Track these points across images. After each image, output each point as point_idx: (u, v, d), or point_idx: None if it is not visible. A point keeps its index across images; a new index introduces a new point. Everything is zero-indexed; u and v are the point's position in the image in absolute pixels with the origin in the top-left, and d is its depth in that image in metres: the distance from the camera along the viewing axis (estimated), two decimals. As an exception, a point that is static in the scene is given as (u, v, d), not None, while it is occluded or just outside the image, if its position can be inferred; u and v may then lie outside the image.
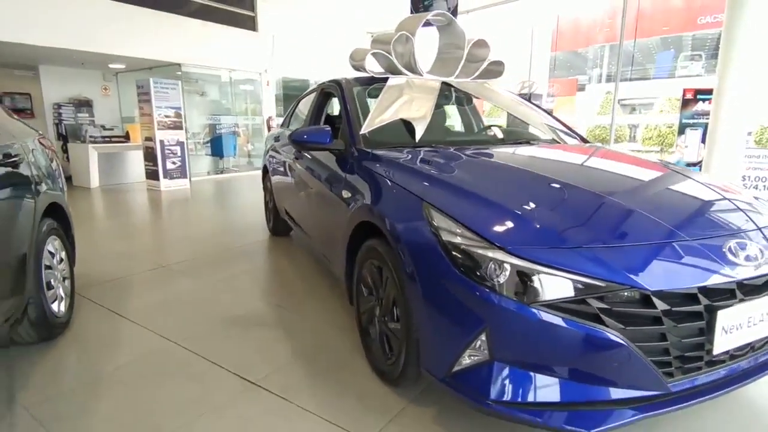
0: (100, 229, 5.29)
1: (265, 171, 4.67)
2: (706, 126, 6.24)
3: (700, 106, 6.58)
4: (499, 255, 1.40)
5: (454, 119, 3.51)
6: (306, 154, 3.14)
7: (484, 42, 3.06)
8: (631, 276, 1.32)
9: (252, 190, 7.79)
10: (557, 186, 1.81)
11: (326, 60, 11.11)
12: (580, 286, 1.33)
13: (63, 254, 2.58)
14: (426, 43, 3.10)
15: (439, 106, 2.99)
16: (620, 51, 8.25)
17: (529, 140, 2.79)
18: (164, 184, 7.97)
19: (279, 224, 4.39)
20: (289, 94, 11.89)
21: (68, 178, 8.66)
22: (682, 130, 6.89)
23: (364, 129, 2.45)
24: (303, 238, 3.46)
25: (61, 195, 2.64)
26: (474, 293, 1.42)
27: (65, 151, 8.83)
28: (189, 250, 4.12)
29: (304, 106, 4.01)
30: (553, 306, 1.33)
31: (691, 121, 6.69)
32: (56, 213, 2.55)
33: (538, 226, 1.50)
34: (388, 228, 1.80)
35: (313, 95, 3.69)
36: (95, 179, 8.20)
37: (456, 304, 1.49)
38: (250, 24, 10.27)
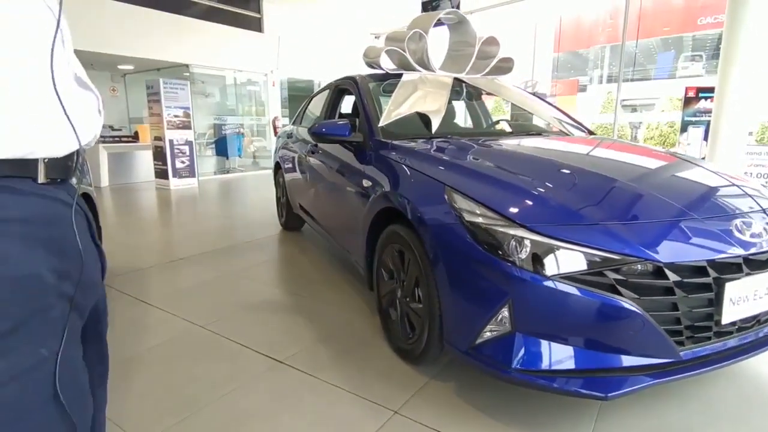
0: (116, 225, 5.39)
1: (277, 167, 4.77)
2: (708, 123, 6.35)
3: (702, 104, 6.69)
4: (521, 232, 1.50)
5: (465, 113, 3.62)
6: (321, 149, 3.24)
7: (494, 39, 3.17)
8: (645, 249, 1.42)
9: (259, 189, 7.90)
10: (571, 171, 1.91)
11: (331, 61, 11.25)
12: (597, 259, 1.42)
13: (92, 243, 2.68)
14: (438, 41, 3.21)
15: (451, 101, 3.10)
16: (622, 52, 8.36)
17: (539, 132, 2.89)
18: (173, 183, 8.08)
19: (291, 219, 4.49)
20: (295, 95, 12.02)
21: (78, 178, 8.75)
22: (684, 128, 7.00)
23: (383, 122, 2.56)
24: (318, 230, 3.56)
25: (90, 187, 2.74)
26: (497, 269, 1.51)
27: (75, 151, 8.93)
28: (204, 244, 4.22)
29: (315, 104, 4.11)
30: (572, 278, 1.43)
31: (693, 119, 6.80)
32: (86, 204, 2.65)
33: (555, 205, 1.60)
34: (411, 212, 1.90)
35: (325, 92, 3.80)
36: (105, 179, 8.31)
37: (479, 280, 1.59)
38: (256, 25, 10.41)
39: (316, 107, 4.00)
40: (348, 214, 2.71)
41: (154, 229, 5.09)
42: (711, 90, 6.30)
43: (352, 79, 3.16)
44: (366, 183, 2.39)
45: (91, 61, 8.70)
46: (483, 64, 3.18)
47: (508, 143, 2.46)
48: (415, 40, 3.04)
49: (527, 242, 1.48)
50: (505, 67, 3.27)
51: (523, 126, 3.32)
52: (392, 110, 2.62)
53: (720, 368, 1.55)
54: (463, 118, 3.64)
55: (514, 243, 1.50)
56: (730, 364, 1.57)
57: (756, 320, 1.60)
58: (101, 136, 8.07)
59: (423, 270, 1.84)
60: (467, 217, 1.64)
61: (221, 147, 10.51)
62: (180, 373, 2.03)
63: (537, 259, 1.46)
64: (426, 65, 3.03)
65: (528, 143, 2.50)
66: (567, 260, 1.44)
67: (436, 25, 3.03)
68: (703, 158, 6.31)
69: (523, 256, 1.48)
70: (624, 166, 2.13)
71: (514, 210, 1.59)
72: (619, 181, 1.76)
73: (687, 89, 6.95)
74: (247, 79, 11.06)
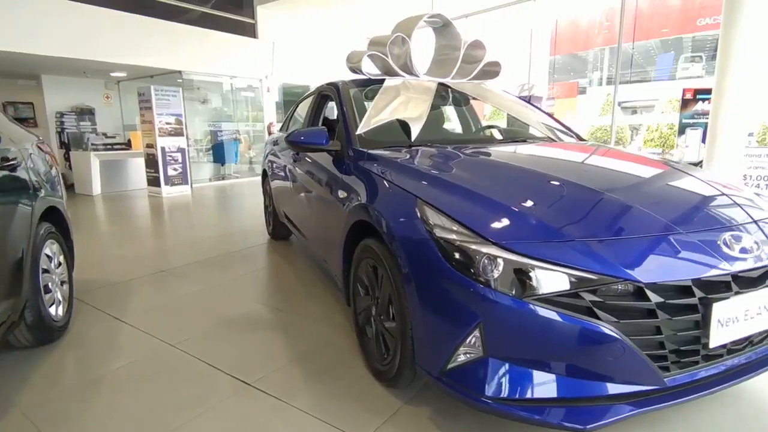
0: (101, 235, 5.31)
1: (265, 175, 4.68)
2: (706, 125, 6.23)
3: (700, 106, 6.58)
4: (492, 250, 1.39)
5: (450, 120, 3.51)
6: (304, 157, 3.15)
7: (480, 43, 3.07)
8: (624, 268, 1.31)
9: (252, 196, 7.81)
10: (551, 182, 1.80)
11: (327, 66, 11.16)
12: (572, 279, 1.32)
13: (61, 258, 2.59)
14: (422, 45, 3.11)
15: (435, 107, 3.00)
16: (619, 53, 8.28)
17: (525, 139, 2.78)
18: (165, 190, 8.00)
19: (278, 228, 4.39)
20: (290, 101, 11.95)
21: (71, 186, 8.70)
22: (682, 130, 6.89)
23: (360, 129, 2.46)
24: (302, 241, 3.46)
25: (59, 200, 2.65)
26: (467, 289, 1.41)
27: (67, 159, 8.89)
28: (189, 254, 4.13)
29: (303, 110, 4.02)
30: (546, 300, 1.32)
31: (691, 121, 6.69)
32: (54, 217, 2.56)
33: (531, 221, 1.50)
34: (383, 226, 1.80)
35: (311, 98, 3.71)
36: (97, 187, 8.24)
37: (450, 301, 1.48)
38: (250, 31, 10.34)
39: (303, 114, 3.91)
40: (326, 225, 2.61)
41: (140, 240, 5.00)
42: (708, 92, 6.18)
43: (333, 85, 3.07)
44: (342, 194, 2.29)
45: (83, 68, 8.66)
46: (469, 68, 3.09)
47: (489, 151, 2.35)
48: (398, 45, 2.94)
49: (499, 261, 1.37)
50: (491, 71, 3.18)
51: (508, 132, 3.22)
52: (371, 117, 2.52)
53: (710, 394, 1.44)
54: (448, 124, 3.52)
55: (485, 261, 1.39)
56: (721, 389, 1.45)
57: (748, 341, 1.48)
58: (92, 144, 8.01)
59: (395, 287, 1.74)
60: (438, 233, 1.54)
61: (218, 153, 10.43)
62: (143, 397, 1.93)
63: (509, 280, 1.35)
64: (409, 70, 2.94)
65: (511, 152, 2.40)
66: (541, 280, 1.33)
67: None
68: (701, 162, 6.20)
69: (495, 275, 1.37)
70: (608, 176, 2.02)
71: (486, 226, 1.48)
72: (601, 193, 1.65)
73: (684, 91, 6.83)
74: (246, 86, 11.00)
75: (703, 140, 6.49)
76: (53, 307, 2.38)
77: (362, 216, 2.01)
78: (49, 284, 2.37)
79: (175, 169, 8.09)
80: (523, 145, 2.60)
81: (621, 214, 1.55)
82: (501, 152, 2.34)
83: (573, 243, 1.39)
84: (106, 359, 2.25)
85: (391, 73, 2.93)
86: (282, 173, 3.82)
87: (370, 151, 2.29)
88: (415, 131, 2.46)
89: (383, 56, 2.87)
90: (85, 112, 9.73)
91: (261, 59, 10.37)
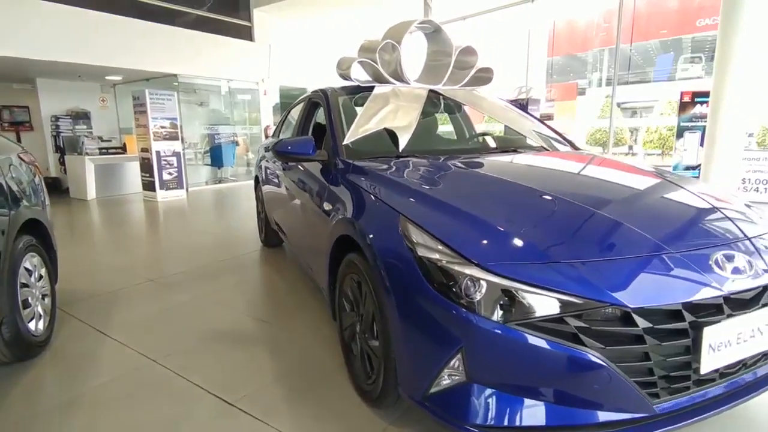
0: (92, 241, 5.26)
1: (257, 181, 4.63)
2: (704, 129, 6.17)
3: (698, 109, 6.52)
4: (475, 271, 1.34)
5: (442, 128, 3.45)
6: (297, 165, 3.09)
7: (472, 49, 3.02)
8: (611, 292, 1.25)
9: (248, 200, 7.74)
10: (539, 198, 1.74)
11: (324, 68, 11.11)
12: (557, 303, 1.26)
13: (43, 271, 2.54)
14: (413, 51, 3.06)
15: (427, 115, 2.95)
16: (617, 54, 8.24)
17: (516, 148, 2.73)
18: (161, 195, 7.95)
19: (270, 235, 4.34)
20: (288, 103, 11.88)
21: (65, 190, 8.66)
22: (680, 134, 6.83)
23: (347, 139, 2.41)
24: (291, 249, 3.40)
25: (41, 211, 2.60)
26: (449, 311, 1.36)
27: (62, 163, 8.84)
28: (179, 263, 4.08)
29: (296, 115, 3.97)
30: (530, 325, 1.27)
31: (689, 124, 6.63)
32: (36, 229, 2.51)
33: (516, 241, 1.44)
34: (366, 242, 1.74)
35: (301, 105, 3.65)
36: (92, 191, 8.19)
37: (432, 323, 1.43)
38: (246, 34, 10.29)
39: (294, 120, 3.86)
40: (313, 236, 2.56)
41: (131, 247, 4.94)
42: (706, 94, 6.11)
43: (322, 92, 3.01)
44: (327, 206, 2.24)
45: (79, 72, 8.61)
46: (461, 74, 3.04)
47: (477, 163, 2.29)
48: (388, 51, 2.89)
49: (482, 283, 1.32)
50: (484, 77, 3.13)
51: (499, 141, 3.16)
52: (358, 127, 2.46)
53: (702, 420, 1.38)
54: (439, 132, 3.46)
55: (468, 283, 1.34)
56: (714, 414, 1.40)
57: (742, 364, 1.43)
58: (87, 148, 7.94)
59: (378, 305, 1.68)
60: (420, 252, 1.48)
61: (215, 156, 10.38)
62: (121, 417, 1.87)
63: (491, 303, 1.30)
64: (400, 77, 2.88)
65: (500, 163, 2.34)
66: (524, 304, 1.28)
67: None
68: (699, 165, 6.13)
69: (477, 298, 1.32)
70: (598, 190, 1.96)
71: (470, 246, 1.42)
72: (590, 210, 1.59)
73: (682, 94, 6.77)
74: (240, 88, 10.94)
75: (702, 143, 6.44)
76: (33, 321, 2.33)
77: (347, 230, 1.96)
78: (29, 299, 2.32)
79: (170, 174, 8.04)
80: (513, 155, 2.54)
81: (609, 233, 1.49)
82: (489, 165, 2.28)
83: (559, 265, 1.33)
84: (86, 376, 2.19)
85: (382, 80, 2.88)
86: (273, 180, 3.77)
87: (356, 163, 2.24)
88: (403, 141, 2.40)
89: (373, 63, 2.82)
90: (81, 116, 9.68)
91: (257, 62, 10.33)
